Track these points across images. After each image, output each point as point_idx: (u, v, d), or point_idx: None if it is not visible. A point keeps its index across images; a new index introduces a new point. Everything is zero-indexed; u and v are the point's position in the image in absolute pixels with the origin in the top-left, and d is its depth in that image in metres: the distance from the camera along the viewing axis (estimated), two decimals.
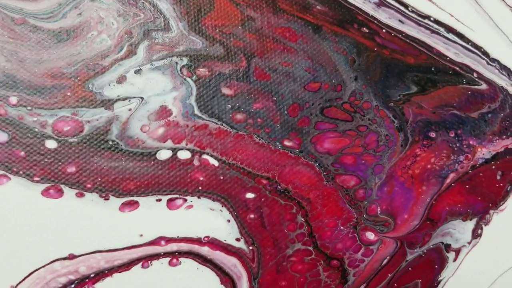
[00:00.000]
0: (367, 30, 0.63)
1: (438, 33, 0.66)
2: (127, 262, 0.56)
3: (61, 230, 0.53)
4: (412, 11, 0.65)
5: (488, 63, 0.68)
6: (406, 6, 0.65)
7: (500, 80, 0.69)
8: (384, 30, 0.64)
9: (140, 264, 0.56)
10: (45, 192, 0.53)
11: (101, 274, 0.55)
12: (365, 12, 0.63)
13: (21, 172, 0.52)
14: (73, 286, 0.54)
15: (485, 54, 0.68)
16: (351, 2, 0.63)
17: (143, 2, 0.55)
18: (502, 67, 0.69)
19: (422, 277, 0.67)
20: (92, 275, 0.55)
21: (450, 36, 0.67)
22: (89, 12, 0.54)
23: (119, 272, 0.55)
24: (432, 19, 0.66)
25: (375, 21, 0.64)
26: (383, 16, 0.64)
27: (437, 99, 0.66)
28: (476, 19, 0.68)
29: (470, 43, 0.67)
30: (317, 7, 0.61)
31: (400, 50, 0.64)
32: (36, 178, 0.52)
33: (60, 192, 0.53)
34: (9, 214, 0.52)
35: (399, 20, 0.64)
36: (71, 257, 0.54)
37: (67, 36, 0.53)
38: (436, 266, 0.67)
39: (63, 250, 0.54)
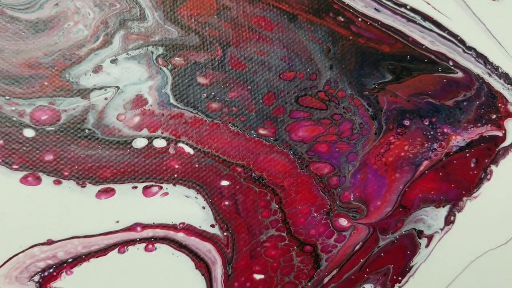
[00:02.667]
0: (342, 19, 0.67)
1: (414, 22, 0.70)
2: (104, 248, 0.60)
3: (39, 216, 0.58)
4: (389, 0, 0.69)
5: (464, 51, 0.72)
6: None
7: (476, 68, 0.72)
8: (359, 19, 0.68)
9: (116, 249, 0.61)
10: (23, 180, 0.57)
11: (79, 259, 0.60)
12: (341, 1, 0.67)
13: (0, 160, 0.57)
14: (51, 270, 0.59)
15: (461, 42, 0.72)
16: None
17: None
18: (478, 55, 0.72)
19: (394, 262, 0.72)
20: (70, 260, 0.59)
21: (426, 24, 0.70)
22: (65, 2, 0.58)
23: (96, 257, 0.60)
24: (408, 7, 0.69)
25: (351, 10, 0.67)
26: (359, 4, 0.68)
27: (412, 88, 0.70)
28: (452, 7, 0.71)
29: (446, 31, 0.71)
30: None
31: (375, 38, 0.68)
32: (15, 166, 0.57)
33: (38, 180, 0.58)
34: None
35: (375, 9, 0.68)
36: (49, 242, 0.58)
37: (44, 27, 0.57)
38: (408, 252, 0.72)
39: (42, 236, 0.58)
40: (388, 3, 0.69)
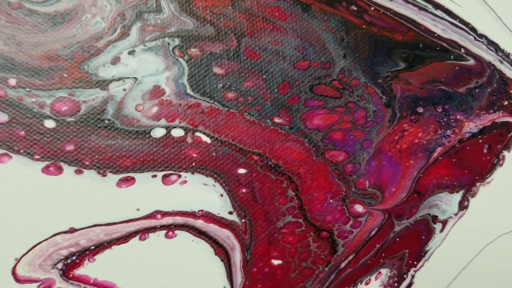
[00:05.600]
0: (355, 8, 0.66)
1: (426, 10, 0.68)
2: (125, 235, 0.59)
3: (62, 205, 0.57)
4: None
5: (475, 39, 0.70)
6: None
7: (488, 55, 0.71)
8: (372, 8, 0.66)
9: (137, 236, 0.59)
10: (45, 170, 0.56)
11: (101, 246, 0.58)
12: None
13: (21, 151, 0.55)
14: (74, 258, 0.58)
15: (473, 30, 0.70)
16: None
17: None
18: (490, 43, 0.71)
19: (410, 247, 0.70)
20: (92, 247, 0.58)
21: (438, 12, 0.68)
22: None
23: (118, 244, 0.59)
24: None
25: None
26: None
27: (425, 75, 0.68)
28: None
29: (457, 19, 0.69)
30: None
31: (388, 27, 0.67)
32: (36, 156, 0.56)
33: (60, 170, 0.57)
34: (11, 191, 0.55)
35: None
36: (72, 230, 0.57)
37: (62, 19, 0.56)
38: (423, 237, 0.71)
39: (64, 224, 0.57)
40: None
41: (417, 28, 0.68)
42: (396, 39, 0.67)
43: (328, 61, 0.65)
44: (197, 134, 0.61)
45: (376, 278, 0.70)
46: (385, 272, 0.70)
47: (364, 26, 0.66)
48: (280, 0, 0.63)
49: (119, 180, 0.59)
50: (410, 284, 0.71)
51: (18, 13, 0.55)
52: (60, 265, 0.58)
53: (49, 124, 0.57)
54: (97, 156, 0.58)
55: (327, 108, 0.65)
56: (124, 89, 0.58)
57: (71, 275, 0.58)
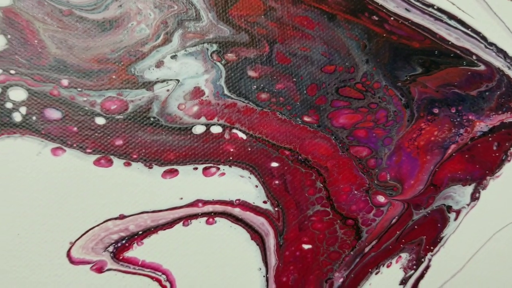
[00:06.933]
0: (376, 18, 0.51)
1: (441, 20, 0.53)
2: (170, 221, 0.46)
3: (112, 194, 0.44)
4: (417, 1, 0.52)
5: (486, 47, 0.55)
6: None
7: (497, 62, 0.55)
8: (392, 18, 0.51)
9: (181, 223, 0.46)
10: (96, 162, 0.43)
11: (148, 231, 0.46)
12: (374, 2, 0.51)
13: (74, 145, 0.43)
14: (124, 241, 0.45)
15: (483, 38, 0.55)
16: None
17: None
18: (499, 50, 0.55)
19: (427, 234, 0.55)
20: (140, 232, 0.45)
21: (452, 22, 0.53)
22: (128, 4, 0.43)
23: (164, 230, 0.46)
24: (435, 7, 0.53)
25: (384, 10, 0.51)
26: (391, 5, 0.51)
27: (440, 79, 0.53)
28: (475, 7, 0.54)
29: (470, 29, 0.54)
30: None
31: (406, 35, 0.52)
32: (88, 150, 0.43)
33: (110, 162, 0.44)
34: (65, 181, 0.43)
35: (406, 9, 0.52)
36: (121, 217, 0.45)
37: (110, 26, 0.43)
38: (439, 225, 0.55)
39: (114, 211, 0.44)
40: (417, 3, 0.52)
41: (433, 36, 0.53)
42: (414, 46, 0.52)
43: (352, 66, 0.50)
44: (234, 131, 0.47)
45: (396, 262, 0.54)
46: (404, 256, 0.54)
47: (384, 34, 0.51)
48: (308, 10, 0.49)
49: (164, 172, 0.45)
50: (428, 267, 0.56)
51: (69, 20, 0.43)
52: (111, 248, 0.45)
53: (100, 121, 0.44)
54: (143, 150, 0.44)
55: (352, 108, 0.50)
56: (168, 90, 0.45)
57: (121, 257, 0.45)
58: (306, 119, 0.49)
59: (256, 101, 0.47)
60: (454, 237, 0.56)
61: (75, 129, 0.43)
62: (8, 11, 0.41)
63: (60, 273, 0.43)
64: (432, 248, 0.55)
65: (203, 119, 0.46)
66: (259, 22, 0.47)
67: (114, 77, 0.43)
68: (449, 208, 0.55)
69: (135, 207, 0.45)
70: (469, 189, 0.56)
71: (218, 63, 0.46)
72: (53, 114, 0.42)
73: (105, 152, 0.43)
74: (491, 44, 0.55)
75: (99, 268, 0.44)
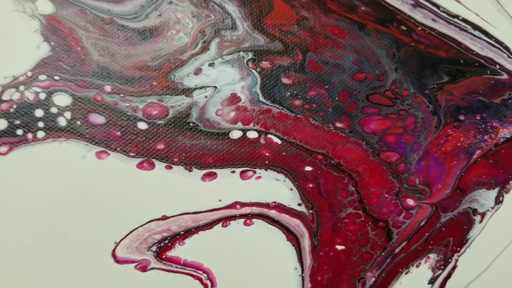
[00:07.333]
0: (405, 28, 0.47)
1: (466, 30, 0.49)
2: (210, 222, 0.42)
3: (155, 196, 0.40)
4: (443, 11, 0.48)
5: (509, 56, 0.50)
6: (438, 6, 0.48)
7: None
8: (419, 28, 0.47)
9: (220, 223, 0.42)
10: (139, 165, 0.39)
11: (189, 232, 0.41)
12: (403, 12, 0.47)
13: (118, 149, 0.39)
14: (166, 241, 0.41)
15: (506, 48, 0.50)
16: (391, 4, 0.47)
17: (213, 5, 0.41)
18: None
19: (454, 235, 0.50)
20: (181, 233, 0.41)
21: (476, 33, 0.49)
22: (167, 13, 0.40)
23: (204, 230, 0.42)
24: (460, 18, 0.48)
25: (412, 20, 0.47)
26: (419, 15, 0.47)
27: (465, 87, 0.49)
28: (498, 18, 0.50)
29: (493, 39, 0.50)
30: (362, 8, 0.45)
31: (433, 45, 0.47)
32: (131, 154, 0.39)
33: (152, 165, 0.40)
34: (110, 184, 0.39)
35: (432, 19, 0.47)
36: (164, 218, 0.41)
37: (150, 34, 0.40)
38: (465, 227, 0.50)
39: (157, 213, 0.40)
40: (443, 14, 0.48)
41: (458, 46, 0.49)
42: (440, 55, 0.48)
43: (381, 74, 0.45)
44: (269, 136, 0.43)
45: (425, 262, 0.49)
46: (433, 256, 0.50)
47: (412, 44, 0.47)
48: (340, 20, 0.45)
49: (203, 175, 0.41)
50: (454, 267, 0.51)
51: (111, 28, 0.39)
52: (154, 248, 0.41)
53: (142, 126, 0.40)
54: (184, 154, 0.40)
55: (382, 115, 0.46)
56: (206, 96, 0.41)
57: (164, 257, 0.41)
58: (338, 125, 0.44)
59: (290, 107, 0.43)
60: (479, 239, 0.51)
61: (118, 133, 0.39)
62: (51, 18, 0.38)
63: (106, 271, 0.39)
64: (458, 249, 0.50)
65: (239, 125, 0.42)
66: (292, 31, 0.43)
67: (155, 83, 0.40)
68: (475, 211, 0.50)
69: (177, 209, 0.41)
70: (494, 192, 0.51)
71: (254, 71, 0.42)
72: (97, 119, 0.39)
73: (147, 156, 0.40)
74: None
75: (143, 267, 0.40)
